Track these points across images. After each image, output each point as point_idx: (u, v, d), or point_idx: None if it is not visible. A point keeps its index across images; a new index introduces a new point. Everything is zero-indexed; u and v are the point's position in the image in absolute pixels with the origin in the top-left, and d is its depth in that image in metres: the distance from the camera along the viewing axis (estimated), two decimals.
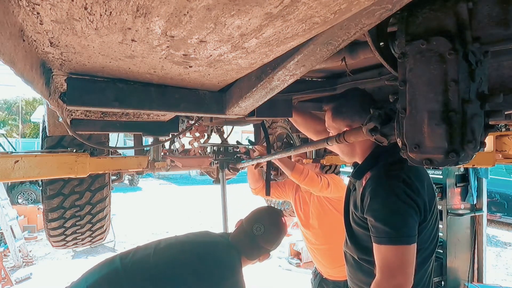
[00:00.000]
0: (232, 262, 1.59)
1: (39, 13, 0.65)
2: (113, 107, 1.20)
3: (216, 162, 2.58)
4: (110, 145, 2.39)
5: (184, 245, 1.63)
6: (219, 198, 2.66)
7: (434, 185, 1.37)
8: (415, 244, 1.20)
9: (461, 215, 4.76)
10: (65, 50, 0.86)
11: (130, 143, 3.63)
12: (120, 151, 2.52)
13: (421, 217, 1.24)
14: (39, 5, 0.61)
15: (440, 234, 2.83)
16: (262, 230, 1.72)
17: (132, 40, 0.79)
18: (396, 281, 1.18)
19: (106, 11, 0.64)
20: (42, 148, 2.27)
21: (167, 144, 3.07)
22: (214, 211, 9.57)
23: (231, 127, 3.01)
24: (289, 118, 1.89)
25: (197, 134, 3.16)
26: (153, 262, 1.49)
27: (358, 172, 1.41)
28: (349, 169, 5.83)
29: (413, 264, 1.20)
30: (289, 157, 2.62)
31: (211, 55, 0.91)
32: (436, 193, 1.35)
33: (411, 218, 1.20)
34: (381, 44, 1.00)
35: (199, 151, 3.21)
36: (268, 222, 1.76)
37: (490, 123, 0.85)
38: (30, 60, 0.80)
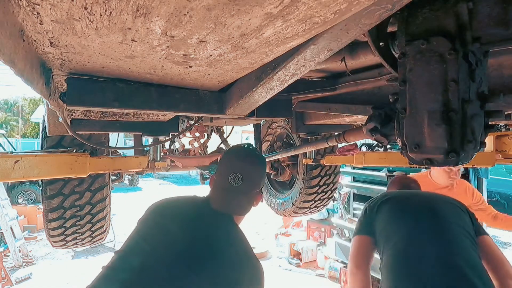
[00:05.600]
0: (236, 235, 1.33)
1: (39, 13, 0.65)
2: (113, 107, 1.20)
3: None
4: (110, 145, 2.39)
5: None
6: None
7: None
8: (365, 236, 1.69)
9: None
10: (65, 50, 0.86)
11: (130, 143, 3.63)
12: (120, 151, 2.51)
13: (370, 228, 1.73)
14: (39, 5, 0.61)
15: None
16: (240, 179, 1.36)
17: (132, 40, 0.79)
18: (348, 266, 1.65)
19: (106, 11, 0.64)
20: (42, 148, 2.26)
21: (167, 144, 3.06)
22: None
23: (231, 127, 3.01)
24: None
25: (197, 134, 3.16)
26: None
27: None
28: (349, 169, 5.80)
29: (361, 253, 1.64)
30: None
31: (211, 55, 0.91)
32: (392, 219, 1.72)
33: (361, 222, 1.78)
34: (381, 44, 1.00)
35: (199, 151, 3.21)
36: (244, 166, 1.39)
37: (490, 123, 0.85)
38: (30, 60, 0.80)
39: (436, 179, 2.80)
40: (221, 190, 1.38)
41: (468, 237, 1.55)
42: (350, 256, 1.67)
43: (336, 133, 1.63)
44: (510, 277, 1.54)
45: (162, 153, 2.49)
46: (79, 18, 0.67)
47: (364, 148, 4.05)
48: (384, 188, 2.64)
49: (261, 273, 1.31)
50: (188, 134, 3.08)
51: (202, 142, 3.17)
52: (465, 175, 4.81)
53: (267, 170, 3.44)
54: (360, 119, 2.15)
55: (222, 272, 1.22)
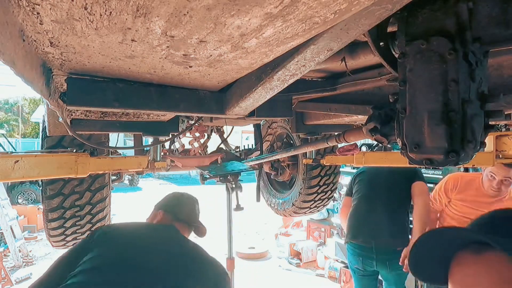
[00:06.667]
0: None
1: (39, 13, 0.65)
2: (113, 107, 1.21)
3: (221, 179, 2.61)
4: (110, 145, 2.39)
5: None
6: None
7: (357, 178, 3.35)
8: (348, 197, 3.33)
9: None
10: (65, 50, 0.86)
11: (130, 143, 3.63)
12: (120, 151, 2.51)
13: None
14: (39, 5, 0.61)
15: None
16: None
17: (132, 40, 0.79)
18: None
19: (106, 11, 0.64)
20: (42, 148, 2.26)
21: (167, 144, 3.06)
22: (214, 211, 9.57)
23: (231, 127, 3.01)
24: None
25: (197, 134, 3.16)
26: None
27: None
28: (349, 169, 5.81)
29: (346, 205, 3.33)
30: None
31: (211, 55, 0.91)
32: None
33: (347, 188, 3.44)
34: (381, 44, 1.00)
35: (199, 151, 3.21)
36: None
37: (490, 123, 0.85)
38: (30, 60, 0.80)
39: (484, 184, 2.82)
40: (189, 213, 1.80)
41: (398, 198, 2.97)
42: (342, 206, 3.44)
43: (336, 133, 1.62)
44: (427, 204, 2.76)
45: (162, 153, 2.49)
46: (79, 18, 0.67)
47: (364, 148, 4.06)
48: None
49: (225, 275, 1.50)
50: (188, 134, 3.08)
51: (202, 142, 3.17)
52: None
53: (267, 170, 3.46)
54: (360, 119, 2.15)
55: (183, 283, 1.36)
